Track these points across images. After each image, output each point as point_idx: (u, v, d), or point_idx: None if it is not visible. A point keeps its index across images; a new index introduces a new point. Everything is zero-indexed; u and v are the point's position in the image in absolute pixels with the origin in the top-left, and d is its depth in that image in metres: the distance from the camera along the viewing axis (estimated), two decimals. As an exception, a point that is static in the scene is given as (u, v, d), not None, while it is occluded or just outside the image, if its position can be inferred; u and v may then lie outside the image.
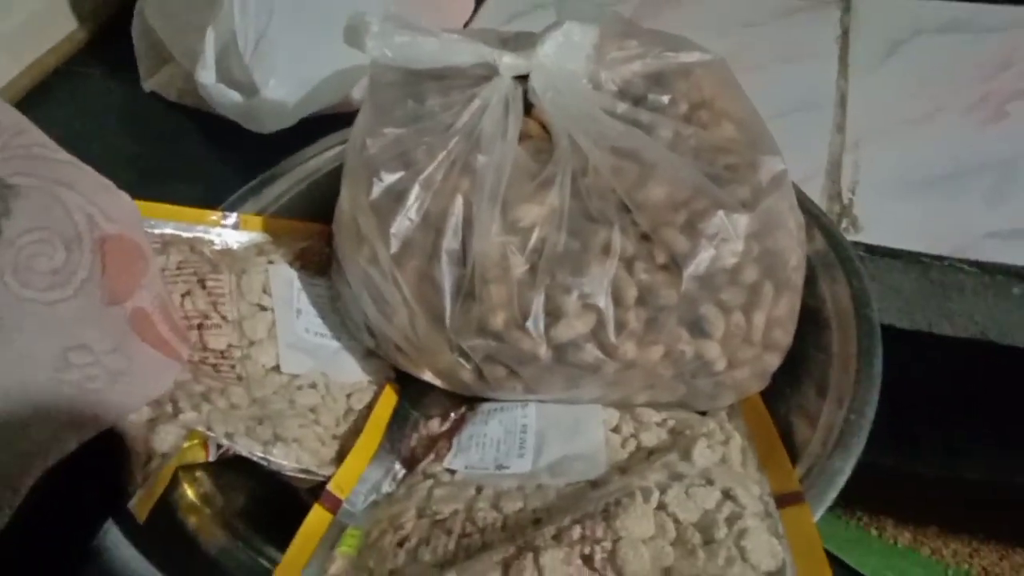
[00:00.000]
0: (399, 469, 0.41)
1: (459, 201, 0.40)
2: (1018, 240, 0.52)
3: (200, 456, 0.37)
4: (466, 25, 0.70)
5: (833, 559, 0.33)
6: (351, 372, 0.44)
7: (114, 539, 0.41)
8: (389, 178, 0.41)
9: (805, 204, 0.47)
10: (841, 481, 0.37)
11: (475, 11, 0.71)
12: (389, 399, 0.44)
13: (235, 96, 0.54)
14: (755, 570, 0.31)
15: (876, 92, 0.62)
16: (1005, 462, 0.73)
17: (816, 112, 0.61)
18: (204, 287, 0.42)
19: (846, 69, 0.65)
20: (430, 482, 0.39)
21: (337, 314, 0.46)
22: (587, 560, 0.31)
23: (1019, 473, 0.73)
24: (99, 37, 0.76)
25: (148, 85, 0.67)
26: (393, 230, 0.40)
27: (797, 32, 0.69)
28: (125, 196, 0.39)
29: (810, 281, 0.43)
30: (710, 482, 0.35)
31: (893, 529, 0.90)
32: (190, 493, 0.38)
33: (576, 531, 0.32)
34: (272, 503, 0.40)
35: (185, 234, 0.45)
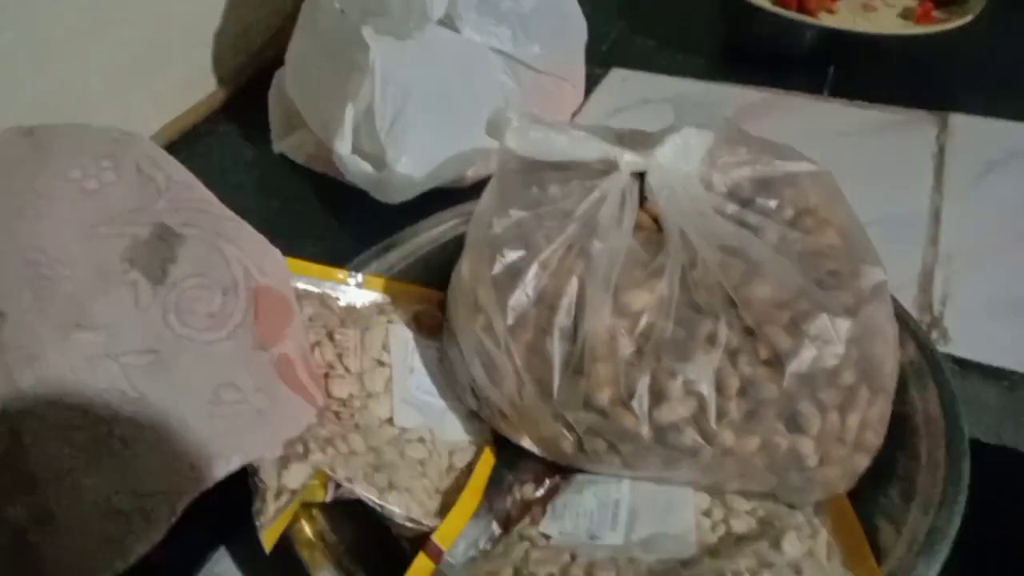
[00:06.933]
0: (495, 528, 0.44)
1: (574, 282, 0.43)
2: (1111, 366, 0.53)
3: (319, 495, 0.40)
4: (574, 115, 0.75)
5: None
6: (454, 431, 0.47)
7: (225, 567, 0.44)
8: (511, 256, 0.44)
9: (900, 313, 0.49)
10: (927, 586, 0.38)
11: (582, 103, 0.76)
12: (488, 461, 0.46)
13: (367, 168, 0.59)
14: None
15: (970, 210, 0.64)
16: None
17: (910, 223, 0.63)
18: (332, 340, 0.46)
19: (941, 185, 0.67)
20: (526, 544, 0.41)
21: (444, 375, 0.49)
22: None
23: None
24: (235, 99, 0.83)
25: (278, 147, 0.73)
26: (511, 304, 0.43)
27: (893, 145, 0.71)
28: (277, 252, 0.44)
29: (901, 387, 0.45)
30: (799, 572, 0.36)
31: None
32: (307, 529, 0.41)
33: (670, 605, 0.34)
34: (376, 546, 0.43)
35: (315, 289, 0.50)
